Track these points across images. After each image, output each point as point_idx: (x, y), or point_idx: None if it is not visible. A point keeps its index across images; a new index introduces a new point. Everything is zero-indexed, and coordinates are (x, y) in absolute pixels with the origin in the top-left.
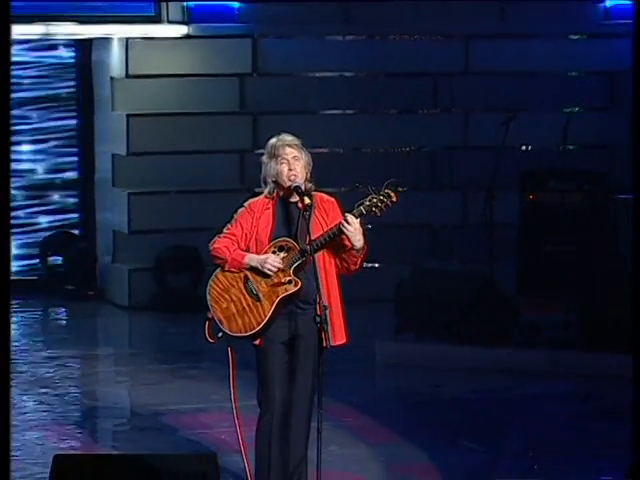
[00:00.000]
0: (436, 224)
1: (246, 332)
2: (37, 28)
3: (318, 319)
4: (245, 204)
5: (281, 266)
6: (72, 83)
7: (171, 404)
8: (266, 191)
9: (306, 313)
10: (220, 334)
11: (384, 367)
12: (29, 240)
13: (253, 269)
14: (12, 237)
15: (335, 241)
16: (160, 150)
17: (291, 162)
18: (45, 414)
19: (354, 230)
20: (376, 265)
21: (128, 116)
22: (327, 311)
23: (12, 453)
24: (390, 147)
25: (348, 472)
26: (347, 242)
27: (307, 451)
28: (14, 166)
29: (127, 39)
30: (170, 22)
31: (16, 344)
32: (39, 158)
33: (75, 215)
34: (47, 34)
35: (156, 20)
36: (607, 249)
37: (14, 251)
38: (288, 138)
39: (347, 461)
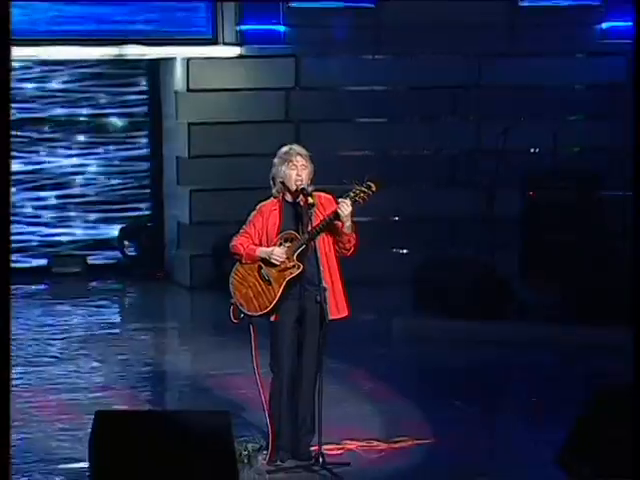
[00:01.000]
0: (453, 217)
1: (261, 311)
2: (111, 50)
3: (318, 299)
4: (257, 207)
5: (284, 257)
6: (144, 97)
7: (217, 369)
8: (274, 190)
9: (311, 293)
10: (242, 315)
11: (400, 340)
12: (111, 231)
13: (264, 259)
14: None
15: (331, 226)
16: (217, 153)
17: (299, 169)
18: (115, 376)
19: (347, 214)
20: (405, 251)
21: (189, 124)
22: (326, 292)
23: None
24: (413, 150)
25: (354, 425)
26: (340, 226)
27: (315, 407)
28: (96, 167)
29: (188, 59)
30: (225, 44)
31: (99, 317)
32: (115, 162)
33: (147, 210)
34: (120, 55)
35: (213, 42)
36: (597, 239)
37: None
38: (299, 149)
39: (355, 416)
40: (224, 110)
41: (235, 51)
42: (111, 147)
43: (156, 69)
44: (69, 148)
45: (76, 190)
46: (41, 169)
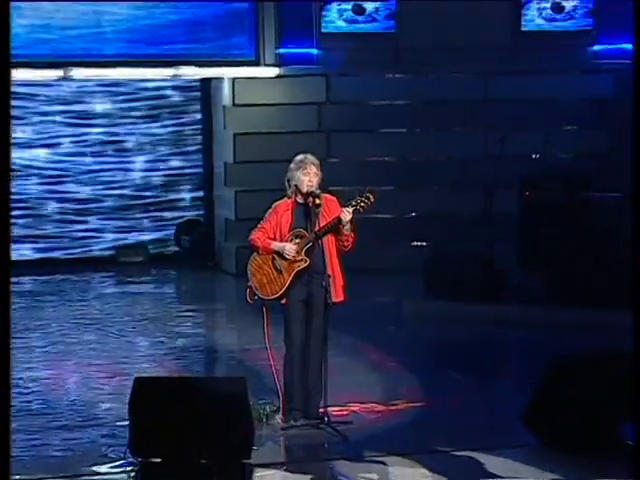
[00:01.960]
0: (461, 215)
1: (273, 295)
2: (169, 71)
3: (324, 284)
4: (272, 206)
5: (295, 252)
6: (198, 111)
7: (252, 344)
8: (288, 192)
9: (317, 280)
10: (256, 297)
11: (409, 319)
12: (170, 225)
13: (277, 252)
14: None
15: (335, 228)
16: (258, 159)
17: (311, 176)
18: (168, 349)
19: (348, 220)
20: (425, 243)
21: (235, 134)
22: (330, 279)
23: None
24: (428, 156)
25: (358, 390)
26: (342, 228)
27: (322, 374)
28: (159, 172)
29: (234, 78)
30: (266, 65)
31: (158, 300)
32: (176, 167)
33: (201, 208)
34: (176, 75)
35: (256, 64)
36: (584, 234)
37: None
38: (313, 158)
39: (360, 383)
40: (265, 122)
41: (274, 71)
42: (172, 154)
43: (207, 87)
44: (135, 155)
45: (141, 191)
46: (119, 175)
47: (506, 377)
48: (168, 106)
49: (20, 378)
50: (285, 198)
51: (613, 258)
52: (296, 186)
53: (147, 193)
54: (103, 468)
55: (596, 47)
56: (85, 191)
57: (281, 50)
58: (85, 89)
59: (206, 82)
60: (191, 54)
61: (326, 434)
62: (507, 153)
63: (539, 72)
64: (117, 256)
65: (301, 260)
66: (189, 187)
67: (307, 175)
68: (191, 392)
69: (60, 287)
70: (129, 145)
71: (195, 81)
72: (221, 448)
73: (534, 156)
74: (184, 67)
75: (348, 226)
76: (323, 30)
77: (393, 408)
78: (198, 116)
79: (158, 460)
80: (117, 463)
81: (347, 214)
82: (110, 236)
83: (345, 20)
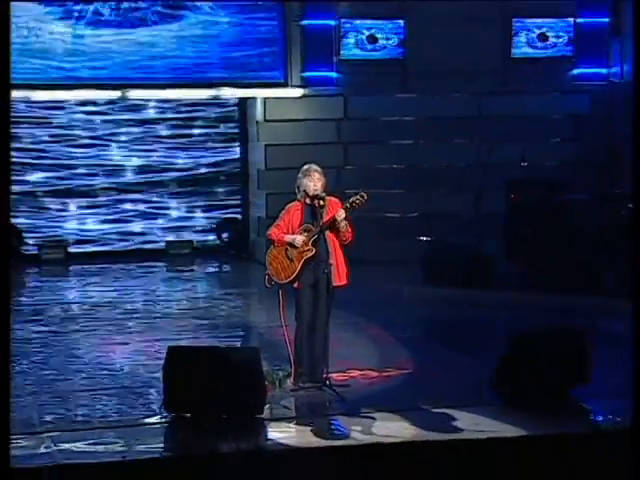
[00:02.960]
0: (457, 214)
1: (286, 280)
2: (211, 92)
3: (326, 271)
4: (286, 207)
5: (303, 242)
6: (236, 126)
7: (274, 322)
8: (298, 195)
9: (321, 268)
10: (273, 282)
11: (409, 302)
12: (212, 223)
13: (289, 244)
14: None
15: (333, 225)
16: (286, 166)
17: (316, 181)
18: (207, 325)
19: (342, 219)
20: (430, 238)
21: (266, 145)
22: (331, 267)
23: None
24: (430, 164)
25: (357, 360)
26: (339, 224)
27: (326, 346)
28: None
29: (265, 98)
30: (293, 86)
31: (201, 285)
32: (217, 171)
33: (238, 208)
34: (217, 95)
35: (284, 85)
36: (561, 231)
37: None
38: (316, 167)
39: (359, 354)
40: (291, 135)
41: (300, 92)
42: (215, 162)
43: (243, 105)
44: (184, 162)
45: (188, 193)
46: (169, 181)
47: (482, 349)
48: (210, 122)
49: (79, 347)
50: (295, 201)
51: (583, 250)
52: (304, 191)
53: (193, 196)
54: (145, 420)
55: (575, 71)
56: (141, 194)
57: (306, 74)
58: (142, 105)
59: (242, 101)
60: (230, 78)
61: (328, 395)
62: (496, 161)
63: (526, 92)
64: (168, 249)
65: (308, 250)
66: (228, 190)
67: (312, 181)
68: (214, 359)
69: (121, 274)
70: (179, 156)
71: (233, 100)
72: (238, 405)
73: (523, 164)
74: (224, 89)
75: (343, 223)
76: (342, 57)
77: (385, 374)
78: (236, 130)
79: (187, 415)
80: (155, 418)
81: (341, 213)
82: (161, 232)
83: (360, 48)
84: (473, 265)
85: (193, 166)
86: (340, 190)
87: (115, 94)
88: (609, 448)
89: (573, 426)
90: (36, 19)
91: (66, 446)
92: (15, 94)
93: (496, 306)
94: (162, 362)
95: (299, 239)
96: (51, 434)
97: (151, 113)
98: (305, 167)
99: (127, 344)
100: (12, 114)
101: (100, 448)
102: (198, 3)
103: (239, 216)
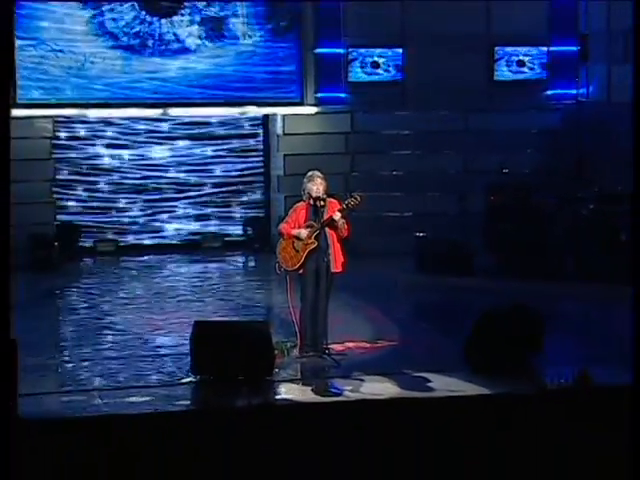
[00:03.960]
0: (444, 213)
1: (293, 267)
2: (238, 109)
3: (326, 259)
4: (294, 207)
5: (307, 236)
6: (260, 138)
7: (283, 303)
8: (304, 197)
9: (322, 257)
10: (282, 269)
11: (402, 288)
12: (239, 220)
13: (296, 237)
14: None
15: (331, 223)
16: (302, 172)
17: (318, 185)
18: (231, 306)
19: (338, 219)
20: (425, 234)
21: (285, 155)
22: (330, 257)
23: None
24: (425, 171)
25: (354, 333)
26: (336, 223)
27: (326, 321)
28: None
29: (284, 115)
30: (308, 105)
31: (230, 273)
32: (247, 180)
33: (262, 208)
34: (243, 112)
35: (300, 104)
36: (532, 227)
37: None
38: (318, 173)
39: (356, 329)
40: (307, 146)
41: (314, 110)
42: (242, 169)
43: (266, 121)
44: (215, 169)
45: (219, 195)
46: (203, 183)
47: (460, 325)
48: (239, 135)
49: (114, 323)
50: (302, 201)
51: (552, 245)
52: (308, 193)
53: (222, 198)
54: (176, 382)
55: (548, 92)
56: (181, 193)
57: (319, 94)
58: (178, 121)
59: (265, 117)
60: (255, 97)
61: (327, 362)
62: (479, 169)
63: (506, 110)
64: (201, 242)
65: (312, 242)
66: (253, 192)
67: (314, 185)
68: (232, 331)
69: (158, 265)
70: (212, 164)
71: (257, 117)
72: (252, 369)
73: (504, 171)
74: (249, 107)
75: (341, 222)
76: (349, 79)
77: (376, 345)
78: (260, 142)
79: (210, 377)
80: (184, 380)
81: (338, 214)
82: (196, 227)
83: (365, 72)
84: (458, 256)
85: (225, 173)
86: (349, 191)
87: (157, 112)
88: (556, 406)
89: (529, 388)
90: (91, 47)
91: (111, 401)
92: (72, 112)
93: (476, 291)
94: (187, 334)
95: (304, 233)
96: (99, 392)
97: (187, 127)
98: (309, 173)
99: (164, 321)
100: (69, 129)
101: (138, 401)
102: (231, 33)
103: (262, 214)
